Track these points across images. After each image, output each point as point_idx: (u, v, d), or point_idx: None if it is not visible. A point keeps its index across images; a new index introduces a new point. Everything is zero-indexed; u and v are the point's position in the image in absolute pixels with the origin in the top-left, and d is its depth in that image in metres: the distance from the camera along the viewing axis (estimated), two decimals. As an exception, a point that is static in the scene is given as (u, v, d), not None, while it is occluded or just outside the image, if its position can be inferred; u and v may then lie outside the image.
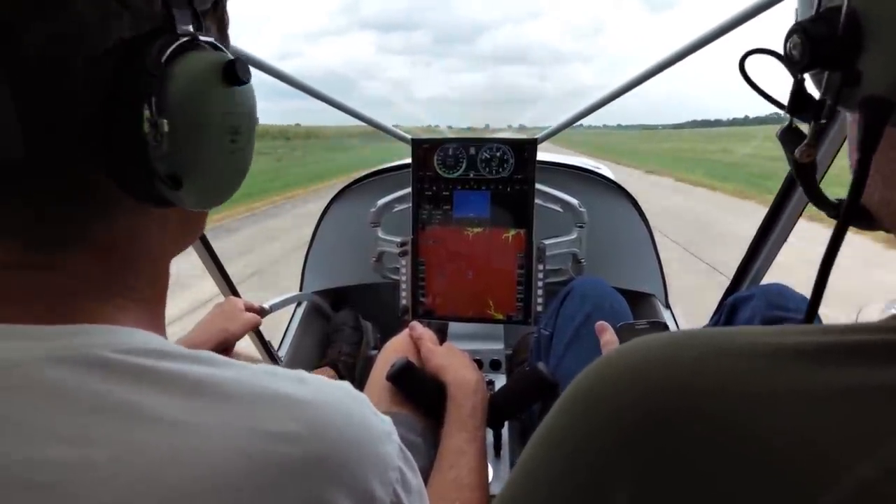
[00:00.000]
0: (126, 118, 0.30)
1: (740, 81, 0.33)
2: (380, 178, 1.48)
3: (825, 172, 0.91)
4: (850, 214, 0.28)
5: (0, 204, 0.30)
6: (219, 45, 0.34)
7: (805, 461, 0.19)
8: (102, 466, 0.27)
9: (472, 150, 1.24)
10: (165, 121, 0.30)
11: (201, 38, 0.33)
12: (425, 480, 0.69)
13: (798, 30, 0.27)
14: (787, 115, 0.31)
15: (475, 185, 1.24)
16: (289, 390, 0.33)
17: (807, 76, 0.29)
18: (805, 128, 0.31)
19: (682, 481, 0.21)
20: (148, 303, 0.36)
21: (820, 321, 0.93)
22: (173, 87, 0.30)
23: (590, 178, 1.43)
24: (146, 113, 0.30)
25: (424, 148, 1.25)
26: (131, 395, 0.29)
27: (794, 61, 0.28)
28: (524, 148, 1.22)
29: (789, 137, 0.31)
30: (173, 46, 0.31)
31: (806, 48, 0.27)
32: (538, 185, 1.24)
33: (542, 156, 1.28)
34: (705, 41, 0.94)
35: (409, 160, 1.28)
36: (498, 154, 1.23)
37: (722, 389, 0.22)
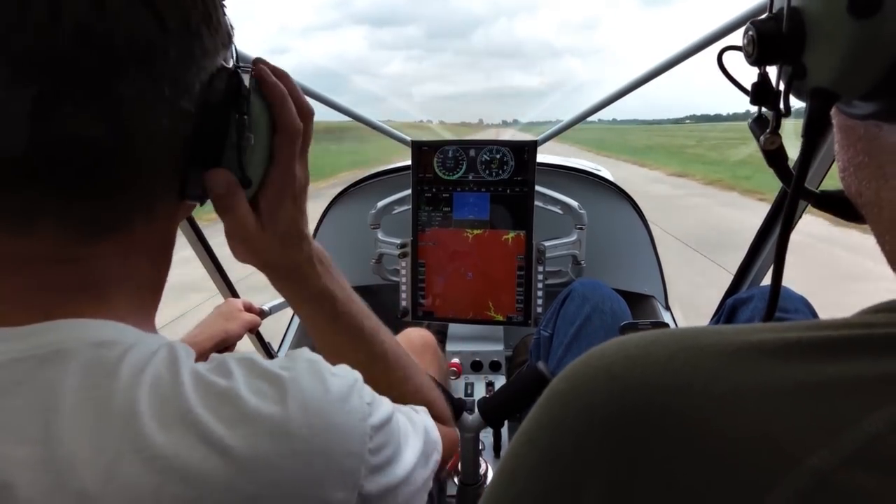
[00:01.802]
0: (223, 133, 0.37)
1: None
2: (379, 180, 1.49)
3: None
4: (796, 195, 0.31)
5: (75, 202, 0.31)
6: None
7: (763, 453, 0.20)
8: (64, 464, 0.27)
9: (472, 153, 1.24)
10: (252, 135, 0.38)
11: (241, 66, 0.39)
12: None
13: (750, 27, 0.29)
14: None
15: (475, 187, 1.25)
16: (246, 380, 0.32)
17: (772, 69, 0.31)
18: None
19: (649, 477, 0.21)
20: (154, 289, 0.38)
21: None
22: (255, 106, 0.39)
23: (589, 180, 1.44)
24: (239, 128, 0.37)
25: (424, 150, 1.26)
26: (94, 391, 0.29)
27: (748, 56, 0.30)
28: (524, 150, 1.22)
29: (758, 126, 0.33)
30: (247, 76, 0.38)
31: (755, 44, 0.29)
32: (538, 187, 1.25)
33: (542, 158, 1.28)
34: (711, 40, 0.93)
35: (408, 162, 1.29)
36: (498, 156, 1.23)
37: (688, 387, 0.22)
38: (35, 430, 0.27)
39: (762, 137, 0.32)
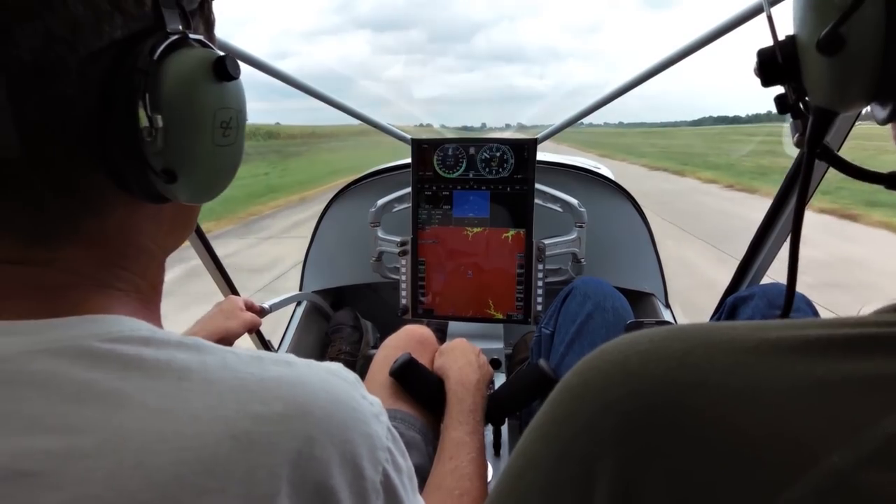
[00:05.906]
0: (120, 116, 0.30)
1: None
2: (379, 178, 1.48)
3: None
4: (805, 192, 0.38)
5: None
6: (207, 42, 0.35)
7: (781, 451, 0.20)
8: (88, 454, 0.27)
9: (472, 151, 1.24)
10: (159, 116, 0.31)
11: (191, 35, 0.33)
12: (424, 476, 0.69)
13: (757, 54, 0.35)
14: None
15: (475, 185, 1.24)
16: (274, 373, 0.33)
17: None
18: None
19: (662, 472, 0.21)
20: (142, 293, 0.36)
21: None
22: (166, 83, 0.31)
23: (589, 177, 1.43)
24: (140, 109, 0.30)
25: (424, 148, 1.26)
26: (116, 383, 0.29)
27: (759, 78, 0.35)
28: (524, 148, 1.22)
29: (794, 127, 0.38)
30: (164, 44, 0.31)
31: (759, 71, 0.34)
32: (538, 185, 1.25)
33: (546, 156, 1.28)
34: (710, 38, 0.93)
35: (408, 160, 1.29)
36: (498, 154, 1.23)
37: (704, 383, 0.22)
38: (56, 421, 0.28)
39: (795, 139, 0.38)
